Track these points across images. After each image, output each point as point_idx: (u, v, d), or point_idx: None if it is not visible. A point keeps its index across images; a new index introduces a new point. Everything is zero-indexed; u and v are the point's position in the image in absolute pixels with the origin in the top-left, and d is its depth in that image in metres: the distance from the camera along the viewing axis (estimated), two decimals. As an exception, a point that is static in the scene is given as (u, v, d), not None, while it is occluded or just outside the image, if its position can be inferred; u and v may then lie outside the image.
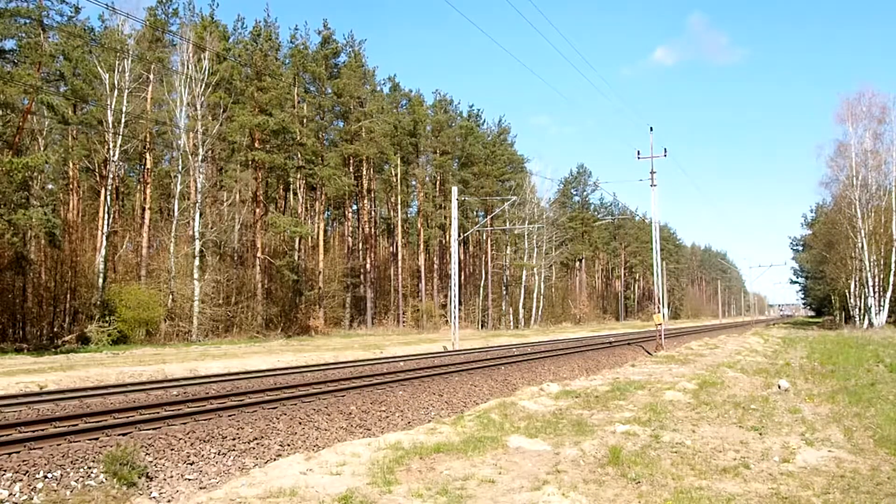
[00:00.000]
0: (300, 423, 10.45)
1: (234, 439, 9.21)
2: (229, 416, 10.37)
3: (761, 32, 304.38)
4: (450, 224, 38.05)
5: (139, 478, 7.54)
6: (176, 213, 35.02)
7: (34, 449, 7.87)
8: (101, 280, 30.42)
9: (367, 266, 52.44)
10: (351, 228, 55.14)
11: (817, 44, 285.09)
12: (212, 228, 36.47)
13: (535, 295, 67.87)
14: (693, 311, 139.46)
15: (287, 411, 10.97)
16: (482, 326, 59.98)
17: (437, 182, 59.83)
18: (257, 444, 9.37)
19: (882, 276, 43.85)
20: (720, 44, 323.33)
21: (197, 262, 34.16)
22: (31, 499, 6.77)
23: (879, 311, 43.93)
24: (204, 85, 35.96)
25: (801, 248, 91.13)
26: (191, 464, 8.32)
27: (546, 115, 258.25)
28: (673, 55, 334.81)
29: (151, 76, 36.97)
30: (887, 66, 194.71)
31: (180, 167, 35.93)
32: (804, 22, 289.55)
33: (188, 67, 35.73)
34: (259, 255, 41.23)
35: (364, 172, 52.94)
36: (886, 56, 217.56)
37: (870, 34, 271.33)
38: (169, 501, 7.55)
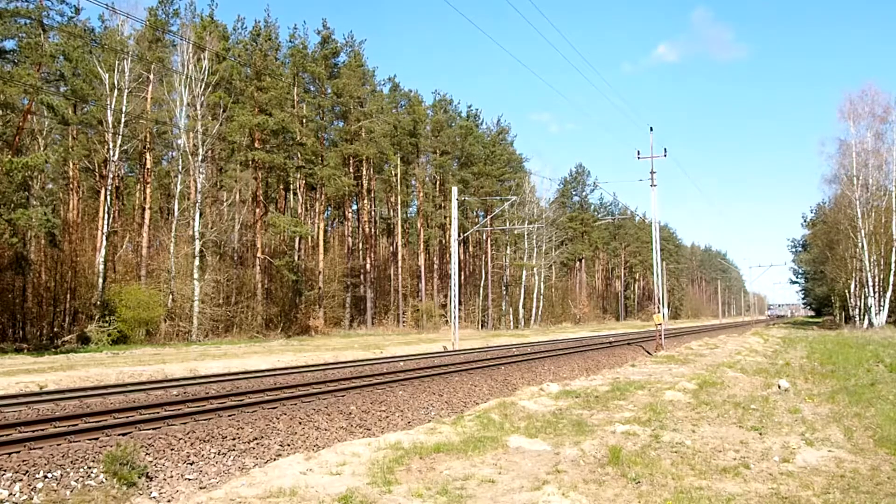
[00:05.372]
0: (300, 423, 10.45)
1: (234, 439, 9.20)
2: (229, 416, 10.37)
3: (767, 27, 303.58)
4: (450, 224, 38.06)
5: (139, 478, 7.54)
6: (176, 213, 35.03)
7: (34, 449, 7.87)
8: (101, 280, 30.42)
9: (367, 266, 52.43)
10: (351, 228, 55.11)
11: (823, 40, 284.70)
12: (212, 228, 36.47)
13: (534, 295, 67.86)
14: (693, 311, 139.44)
15: (287, 411, 10.96)
16: (482, 326, 59.96)
17: (437, 182, 59.84)
18: (257, 444, 9.37)
19: (882, 276, 43.84)
20: (724, 39, 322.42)
21: (197, 262, 34.17)
22: (31, 499, 6.77)
23: (879, 311, 43.92)
24: (204, 85, 35.97)
25: (800, 250, 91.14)
26: (191, 464, 8.32)
27: (546, 113, 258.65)
28: (676, 51, 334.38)
29: (151, 76, 36.96)
30: (893, 65, 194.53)
31: (180, 167, 35.96)
32: (810, 16, 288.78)
33: (188, 67, 35.74)
34: (259, 255, 41.24)
35: (364, 172, 52.94)
36: (892, 54, 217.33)
37: (876, 32, 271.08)
38: (169, 501, 7.55)
